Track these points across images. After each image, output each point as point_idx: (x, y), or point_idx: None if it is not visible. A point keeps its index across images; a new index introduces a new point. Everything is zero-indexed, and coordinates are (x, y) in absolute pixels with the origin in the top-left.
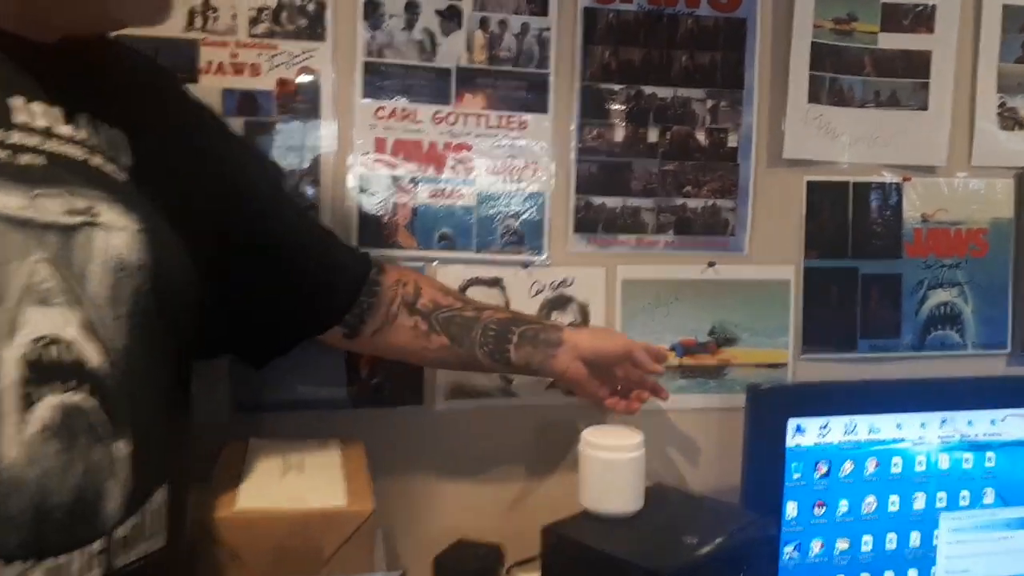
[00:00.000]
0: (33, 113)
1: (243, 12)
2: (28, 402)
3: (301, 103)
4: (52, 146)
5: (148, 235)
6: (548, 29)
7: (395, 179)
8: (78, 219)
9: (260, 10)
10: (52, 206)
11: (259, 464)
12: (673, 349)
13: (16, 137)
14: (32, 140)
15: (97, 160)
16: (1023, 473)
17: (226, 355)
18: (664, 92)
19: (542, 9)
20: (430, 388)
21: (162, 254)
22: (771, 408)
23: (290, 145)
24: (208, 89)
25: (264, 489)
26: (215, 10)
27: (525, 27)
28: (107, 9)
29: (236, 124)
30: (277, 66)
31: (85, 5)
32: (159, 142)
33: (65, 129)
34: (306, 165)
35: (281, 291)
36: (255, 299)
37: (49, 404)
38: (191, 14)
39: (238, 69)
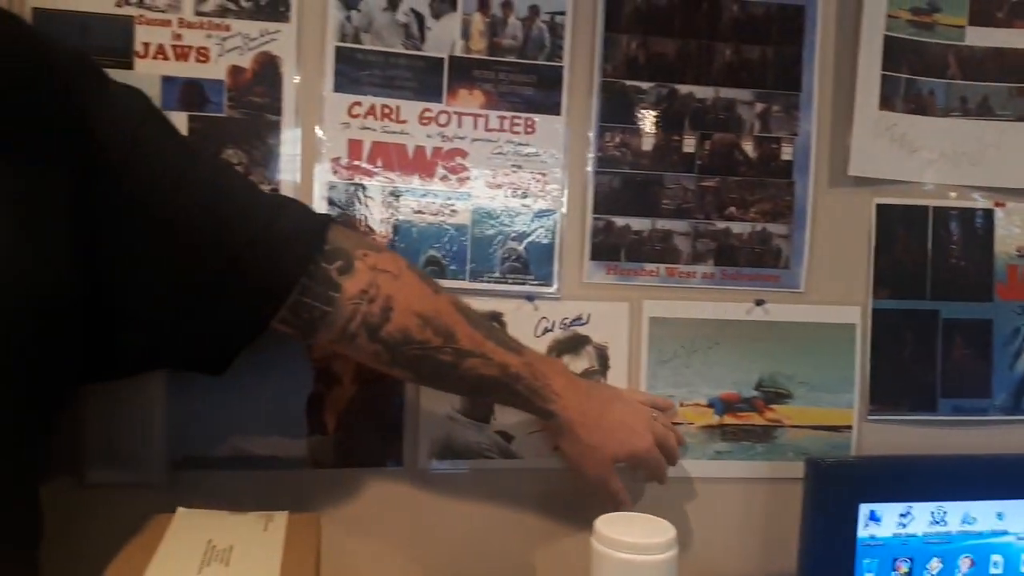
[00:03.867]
0: None
1: None
2: None
3: (258, 96)
4: None
5: None
6: (562, 13)
7: (373, 191)
8: None
9: None
10: None
11: (177, 548)
12: (711, 406)
13: None
14: None
15: None
16: None
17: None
18: (703, 92)
19: None
20: (411, 445)
21: None
22: (837, 489)
23: (244, 147)
24: (144, 77)
25: None
26: None
27: (534, 10)
28: None
29: (179, 120)
30: (230, 51)
31: None
32: None
33: None
34: (263, 171)
35: (190, 297)
36: (150, 307)
37: None
38: None
39: (181, 53)
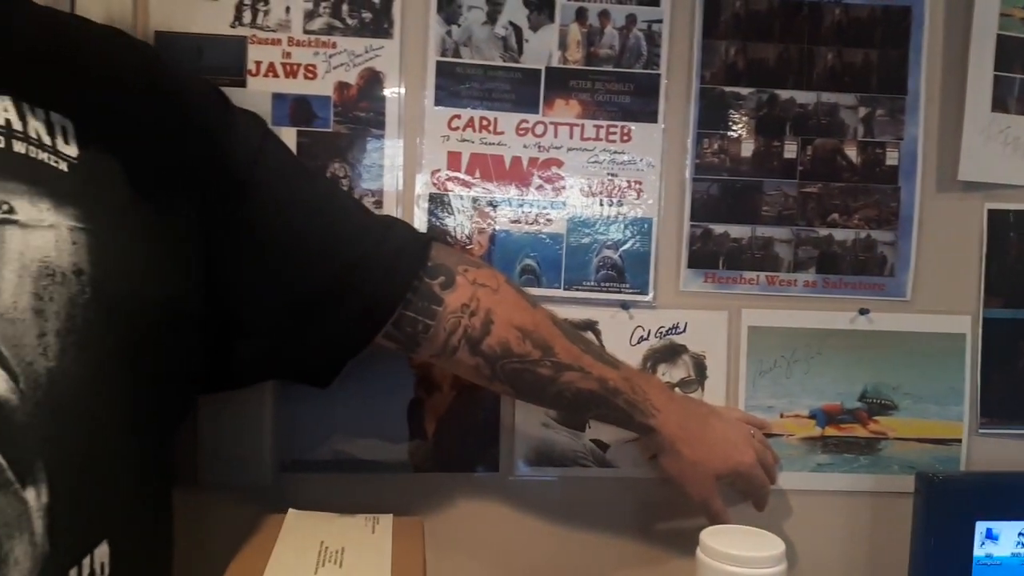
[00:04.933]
0: None
1: (297, 4)
2: None
3: (363, 111)
4: None
5: (89, 235)
6: (659, 21)
7: (471, 200)
8: None
9: (317, 2)
10: None
11: (291, 549)
12: (813, 417)
13: None
14: None
15: (22, 148)
16: None
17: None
18: (805, 97)
19: None
20: (507, 452)
21: (112, 259)
22: (952, 506)
23: (349, 160)
24: (256, 94)
25: None
26: (266, 2)
27: (631, 19)
28: None
29: (288, 135)
30: (336, 67)
31: None
32: (120, 130)
33: None
34: (367, 184)
35: (302, 313)
36: (267, 322)
37: None
38: (239, 7)
39: (291, 71)
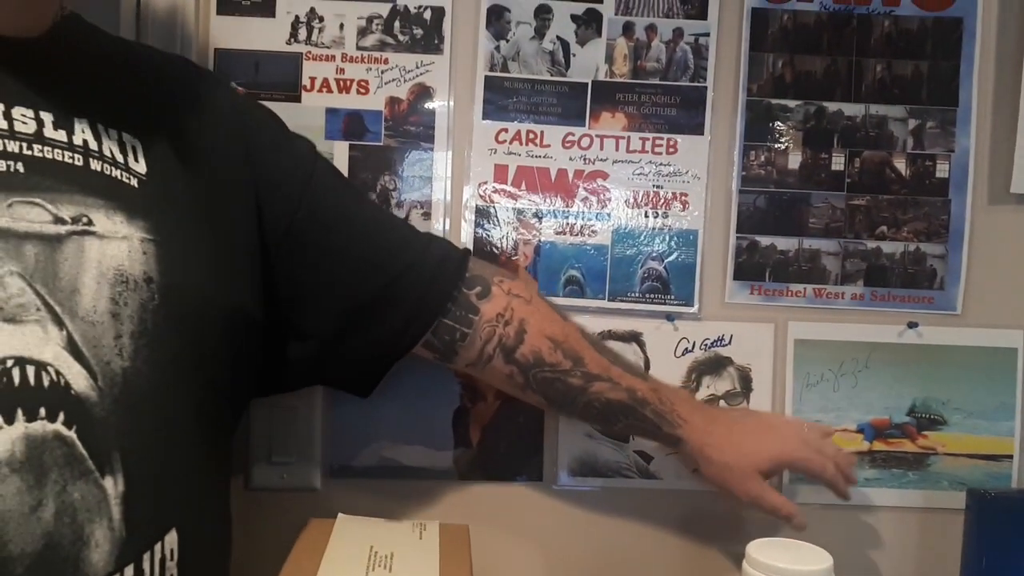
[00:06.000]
0: (12, 119)
1: (351, 21)
2: None
3: (413, 125)
4: (38, 152)
5: (158, 246)
6: (707, 34)
7: (516, 212)
8: (65, 228)
9: (370, 19)
10: (31, 214)
11: (342, 553)
12: (861, 431)
13: None
14: (11, 146)
15: (98, 166)
16: None
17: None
18: (853, 109)
19: (700, 11)
20: (551, 462)
21: (178, 268)
22: (1003, 523)
23: (398, 172)
24: (310, 109)
25: None
26: (320, 19)
27: (678, 33)
28: None
29: (340, 149)
30: (388, 83)
31: None
32: (184, 149)
33: (57, 134)
34: (415, 196)
35: (350, 319)
36: (314, 329)
37: (8, 436)
38: (295, 24)
39: (344, 86)
